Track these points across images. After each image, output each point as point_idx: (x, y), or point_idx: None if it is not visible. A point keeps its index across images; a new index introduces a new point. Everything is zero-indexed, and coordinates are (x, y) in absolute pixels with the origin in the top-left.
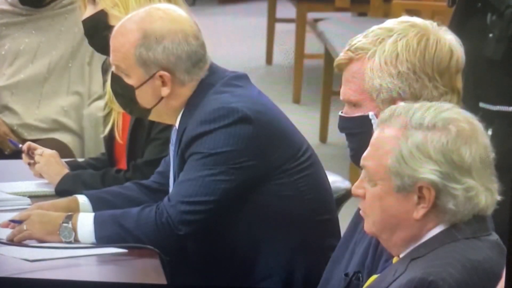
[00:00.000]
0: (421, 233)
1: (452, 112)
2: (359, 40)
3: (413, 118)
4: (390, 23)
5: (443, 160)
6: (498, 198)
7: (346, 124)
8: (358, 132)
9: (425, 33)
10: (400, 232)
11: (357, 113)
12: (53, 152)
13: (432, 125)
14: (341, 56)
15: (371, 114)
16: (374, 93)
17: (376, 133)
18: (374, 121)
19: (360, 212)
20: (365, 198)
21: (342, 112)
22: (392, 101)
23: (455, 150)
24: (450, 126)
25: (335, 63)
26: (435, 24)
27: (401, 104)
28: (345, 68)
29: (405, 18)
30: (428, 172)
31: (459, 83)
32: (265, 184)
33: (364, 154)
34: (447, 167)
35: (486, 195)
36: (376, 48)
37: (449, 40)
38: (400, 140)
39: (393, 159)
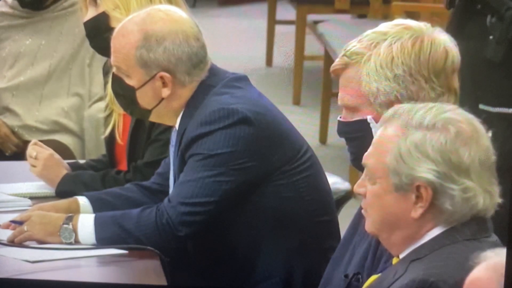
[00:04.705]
0: (419, 233)
1: (454, 113)
2: (354, 45)
3: (414, 117)
4: (384, 26)
5: (441, 160)
6: (499, 200)
7: (345, 129)
8: (357, 136)
9: (419, 35)
10: (399, 232)
11: (356, 117)
12: (48, 154)
13: (432, 125)
14: (337, 61)
15: (369, 117)
16: (372, 97)
17: (378, 132)
18: (373, 125)
19: (362, 211)
20: (366, 196)
21: (340, 117)
22: (390, 104)
23: (454, 150)
24: (450, 126)
25: (331, 69)
26: (429, 25)
27: (405, 104)
28: (342, 73)
29: (399, 21)
30: (425, 171)
31: (456, 83)
32: (265, 185)
33: (366, 152)
34: (445, 167)
35: (484, 197)
36: (371, 52)
37: (443, 40)
38: (399, 138)
39: (391, 158)
